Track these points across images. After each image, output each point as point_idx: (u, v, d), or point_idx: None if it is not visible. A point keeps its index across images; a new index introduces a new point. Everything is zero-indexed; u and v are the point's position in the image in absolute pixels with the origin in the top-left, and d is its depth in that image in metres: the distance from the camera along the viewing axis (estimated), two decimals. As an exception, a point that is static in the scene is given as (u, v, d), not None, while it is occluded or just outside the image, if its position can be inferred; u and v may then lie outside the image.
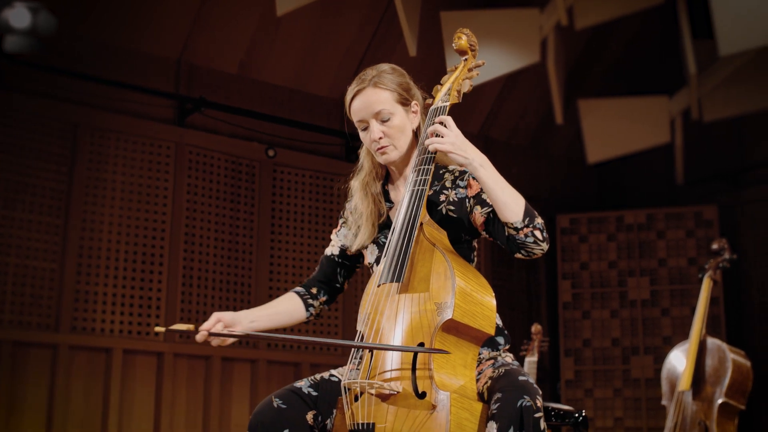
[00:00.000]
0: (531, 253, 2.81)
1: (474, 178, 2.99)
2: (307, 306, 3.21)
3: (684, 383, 5.00)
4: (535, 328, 5.52)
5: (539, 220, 2.79)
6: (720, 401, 4.94)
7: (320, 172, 8.04)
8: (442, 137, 2.85)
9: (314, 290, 3.24)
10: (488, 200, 2.88)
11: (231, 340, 2.95)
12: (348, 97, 3.11)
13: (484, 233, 2.96)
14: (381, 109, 3.03)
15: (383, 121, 3.04)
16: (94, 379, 6.76)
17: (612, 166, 9.22)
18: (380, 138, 3.05)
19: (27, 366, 6.50)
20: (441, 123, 2.89)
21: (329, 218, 8.01)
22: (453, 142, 2.84)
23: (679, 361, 5.18)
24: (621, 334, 8.74)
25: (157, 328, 2.80)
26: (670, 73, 8.83)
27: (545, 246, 2.81)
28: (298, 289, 3.24)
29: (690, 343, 5.10)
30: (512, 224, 2.77)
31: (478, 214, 2.93)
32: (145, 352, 6.99)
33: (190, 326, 2.84)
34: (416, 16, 7.10)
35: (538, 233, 2.78)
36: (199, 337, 2.91)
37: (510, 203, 2.78)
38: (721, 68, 7.81)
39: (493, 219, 2.88)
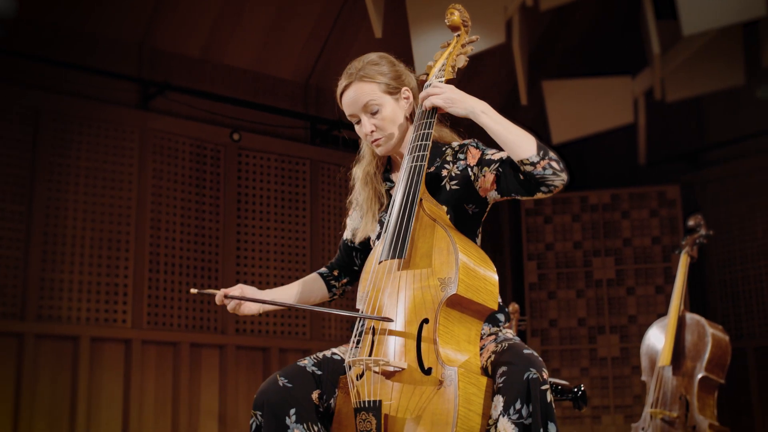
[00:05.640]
0: (552, 186, 2.77)
1: (474, 147, 3.00)
2: (330, 286, 3.31)
3: (664, 359, 5.03)
4: (513, 307, 5.53)
5: (553, 153, 2.79)
6: (700, 376, 4.99)
7: (285, 156, 7.99)
8: (436, 95, 2.92)
9: (336, 272, 3.32)
10: (495, 151, 2.91)
11: (247, 309, 3.04)
12: (338, 92, 3.12)
13: (495, 194, 2.91)
14: (368, 102, 3.03)
15: (373, 114, 3.04)
16: (62, 368, 6.66)
17: (573, 146, 9.26)
18: (372, 131, 3.05)
19: (-8, 356, 6.41)
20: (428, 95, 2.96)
21: (295, 201, 7.96)
22: (448, 97, 2.89)
23: (658, 337, 5.21)
24: (587, 314, 8.80)
25: (192, 290, 2.94)
26: (633, 53, 8.88)
27: (565, 176, 2.78)
28: (322, 270, 3.34)
29: (669, 319, 5.13)
30: (528, 160, 2.75)
31: (488, 174, 2.90)
32: (113, 340, 6.90)
33: (215, 291, 2.99)
34: (381, -2, 7.07)
35: (555, 164, 2.76)
36: (217, 298, 2.99)
37: (520, 141, 2.78)
38: (683, 48, 7.86)
39: (503, 172, 2.86)
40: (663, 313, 5.42)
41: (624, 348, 8.65)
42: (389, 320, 2.73)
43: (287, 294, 3.21)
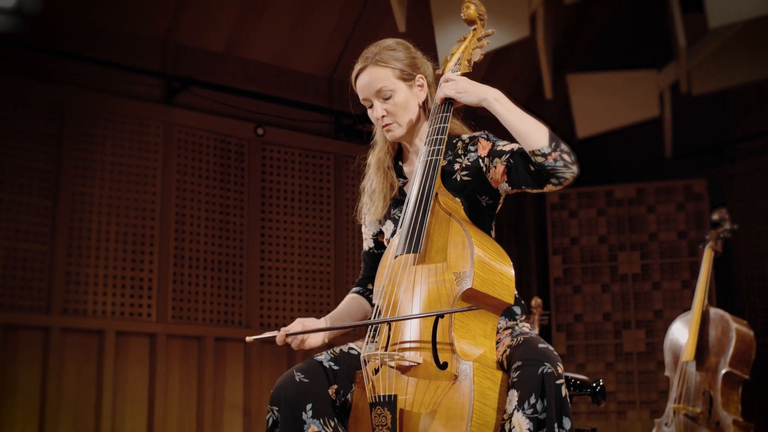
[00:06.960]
0: (562, 179, 2.75)
1: (485, 139, 3.00)
2: (370, 301, 3.21)
3: (687, 354, 4.99)
4: (536, 301, 5.52)
5: (565, 145, 2.77)
6: (724, 371, 4.94)
7: (309, 150, 8.00)
8: (447, 86, 2.95)
9: (370, 286, 3.23)
10: (506, 143, 2.90)
11: (312, 342, 2.95)
12: (353, 76, 3.12)
13: (506, 185, 2.89)
14: (381, 87, 3.03)
15: (385, 99, 3.04)
16: (87, 361, 6.71)
17: (599, 140, 9.20)
18: (383, 116, 3.05)
19: (18, 349, 6.45)
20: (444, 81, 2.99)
21: (319, 196, 7.97)
22: (459, 87, 2.92)
23: (681, 331, 5.17)
24: (612, 309, 8.75)
25: (248, 338, 2.89)
26: (658, 46, 8.81)
27: (576, 169, 2.75)
28: (356, 289, 3.25)
29: (693, 314, 5.09)
30: (539, 150, 2.74)
31: (499, 165, 2.88)
32: (138, 334, 6.94)
33: (275, 332, 2.90)
34: (405, -9, 7.05)
35: (566, 156, 2.74)
36: (278, 339, 2.90)
37: (533, 132, 2.76)
38: (709, 41, 7.78)
39: (514, 163, 2.84)
40: (689, 307, 5.40)
41: (650, 343, 8.58)
42: (471, 308, 2.69)
43: (341, 316, 3.11)
